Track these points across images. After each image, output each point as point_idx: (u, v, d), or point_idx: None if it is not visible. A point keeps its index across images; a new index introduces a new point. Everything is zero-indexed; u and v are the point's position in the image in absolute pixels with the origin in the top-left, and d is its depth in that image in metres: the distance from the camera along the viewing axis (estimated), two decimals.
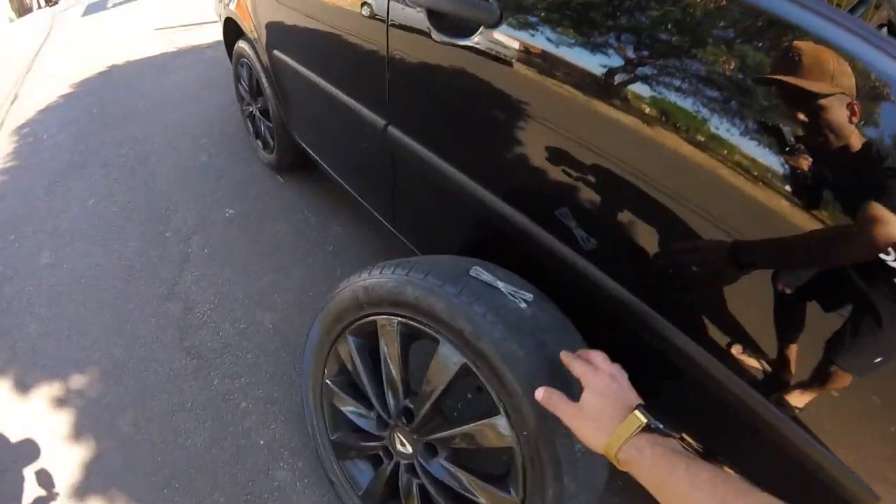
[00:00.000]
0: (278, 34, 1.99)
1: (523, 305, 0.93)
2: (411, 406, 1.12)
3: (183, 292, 2.21)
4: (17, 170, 3.81)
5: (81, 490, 1.61)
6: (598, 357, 0.81)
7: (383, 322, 1.11)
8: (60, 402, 1.89)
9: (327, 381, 1.34)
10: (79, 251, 2.63)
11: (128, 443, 1.70)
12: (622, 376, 0.78)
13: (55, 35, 9.85)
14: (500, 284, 0.96)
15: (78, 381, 1.94)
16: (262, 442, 1.64)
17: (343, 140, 1.82)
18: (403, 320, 1.06)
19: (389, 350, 1.12)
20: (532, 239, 1.04)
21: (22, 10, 21.91)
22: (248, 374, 1.84)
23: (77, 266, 2.52)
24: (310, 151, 2.17)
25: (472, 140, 1.14)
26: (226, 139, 3.36)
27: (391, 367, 1.13)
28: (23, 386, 1.99)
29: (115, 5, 10.95)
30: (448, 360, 0.99)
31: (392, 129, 1.34)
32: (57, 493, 1.61)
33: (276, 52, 2.03)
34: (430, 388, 1.04)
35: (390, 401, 1.17)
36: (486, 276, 0.97)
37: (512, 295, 0.94)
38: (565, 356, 0.83)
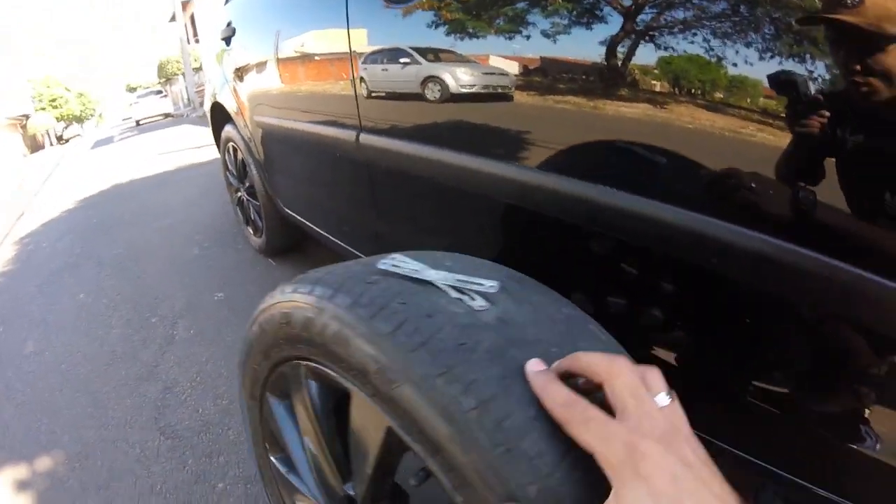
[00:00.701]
0: (258, 101, 2.14)
1: (479, 304, 0.56)
2: (353, 494, 0.73)
3: (163, 373, 2.11)
4: (14, 272, 3.84)
5: None
6: (637, 387, 0.42)
7: (287, 370, 0.77)
8: (21, 484, 1.73)
9: (272, 459, 0.97)
10: (62, 340, 2.57)
11: None
12: (692, 446, 0.40)
13: (64, 164, 10.42)
14: (434, 274, 0.60)
15: (43, 463, 1.80)
16: None
17: (321, 177, 1.88)
18: (305, 362, 0.71)
19: (301, 409, 0.78)
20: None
21: (34, 146, 23.23)
22: (228, 451, 1.70)
23: (59, 354, 2.45)
24: (295, 216, 2.22)
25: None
26: (218, 235, 3.43)
27: (309, 433, 0.79)
28: None
29: (121, 139, 11.77)
30: (366, 421, 0.63)
31: (364, 136, 1.38)
32: None
33: (257, 118, 2.17)
34: (362, 467, 0.67)
35: (320, 488, 0.82)
36: (408, 266, 0.62)
37: (458, 289, 0.58)
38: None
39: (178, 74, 26.75)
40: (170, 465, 1.68)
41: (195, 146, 7.41)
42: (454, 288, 0.58)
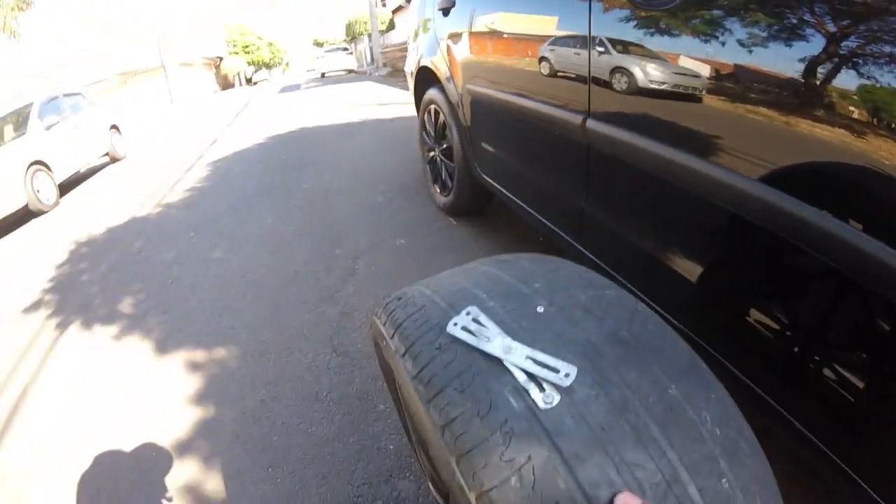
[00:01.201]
0: (474, 71, 2.38)
1: (545, 400, 0.56)
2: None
3: (343, 299, 2.46)
4: (207, 189, 4.62)
5: (184, 447, 1.76)
6: None
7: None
8: (195, 367, 2.14)
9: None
10: (249, 253, 3.08)
11: (248, 417, 1.84)
12: None
13: (254, 103, 11.93)
14: (505, 348, 0.61)
15: (219, 353, 2.20)
16: (391, 447, 1.67)
17: (532, 153, 2.06)
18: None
19: None
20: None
21: (225, 85, 26.73)
22: None
23: (245, 264, 2.95)
24: (492, 182, 2.45)
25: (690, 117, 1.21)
26: (402, 188, 3.85)
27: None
28: (164, 347, 2.31)
29: (307, 88, 13.18)
30: None
31: (591, 122, 1.52)
32: (159, 445, 1.78)
33: (470, 85, 2.41)
34: None
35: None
36: (482, 332, 0.64)
37: (528, 373, 0.58)
38: None
39: (363, 34, 29.08)
40: (337, 378, 1.96)
41: (378, 103, 8.18)
42: (524, 371, 0.58)
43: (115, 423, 1.91)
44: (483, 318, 0.66)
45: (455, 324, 0.65)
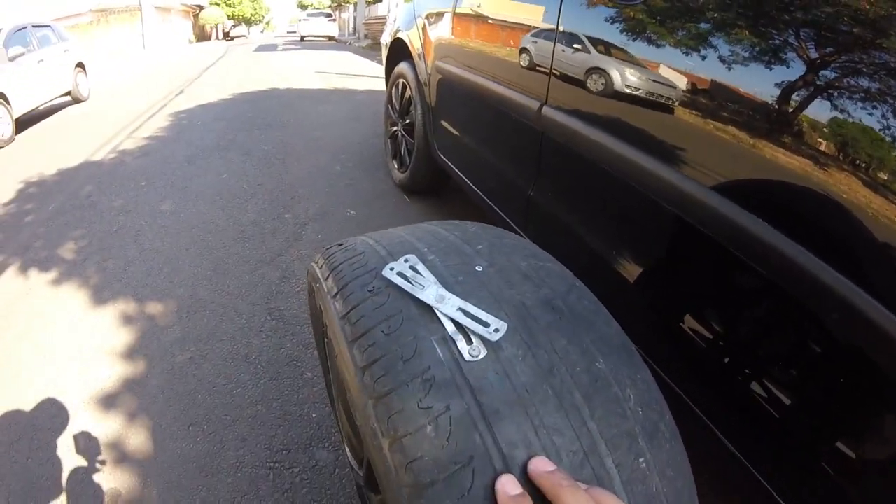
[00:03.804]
0: (446, 50, 2.35)
1: (471, 352, 0.54)
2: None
3: (284, 263, 2.41)
4: (167, 139, 4.47)
5: (107, 402, 1.70)
6: None
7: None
8: (128, 319, 2.08)
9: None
10: (199, 208, 3.00)
11: (175, 373, 1.80)
12: None
13: (228, 58, 11.61)
14: (438, 298, 0.60)
15: (153, 307, 2.14)
16: (314, 415, 1.65)
17: (488, 136, 2.05)
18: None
19: None
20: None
21: (202, 36, 25.92)
22: None
23: (193, 218, 2.87)
24: (448, 163, 2.43)
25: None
26: (362, 160, 3.79)
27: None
28: (99, 298, 2.23)
29: (284, 50, 12.92)
30: None
31: (547, 110, 1.52)
32: (85, 397, 1.73)
33: (440, 63, 2.38)
34: None
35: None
36: (417, 280, 0.63)
37: (458, 324, 0.57)
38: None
39: (350, 3, 28.48)
40: (269, 342, 1.93)
41: (353, 73, 8.05)
42: (454, 322, 0.57)
43: (41, 374, 1.84)
44: (420, 267, 0.65)
45: (391, 268, 0.65)
